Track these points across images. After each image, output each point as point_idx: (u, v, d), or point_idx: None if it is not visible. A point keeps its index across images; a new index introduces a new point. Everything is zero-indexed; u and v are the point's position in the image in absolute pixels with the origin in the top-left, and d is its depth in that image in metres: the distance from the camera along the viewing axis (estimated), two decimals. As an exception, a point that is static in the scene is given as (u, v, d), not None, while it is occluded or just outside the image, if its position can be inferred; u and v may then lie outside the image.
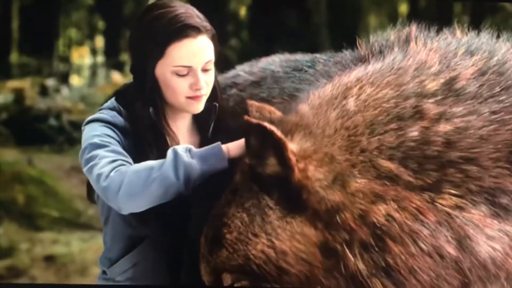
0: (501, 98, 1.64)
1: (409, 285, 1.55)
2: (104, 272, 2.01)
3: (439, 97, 1.63)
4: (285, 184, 1.58)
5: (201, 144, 1.93)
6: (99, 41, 9.27)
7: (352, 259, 1.55)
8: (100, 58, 9.12)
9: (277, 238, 1.59)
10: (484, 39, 1.82)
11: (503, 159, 1.58)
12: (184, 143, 1.89)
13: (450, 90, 1.64)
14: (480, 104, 1.62)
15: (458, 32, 1.87)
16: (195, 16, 1.86)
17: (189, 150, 1.72)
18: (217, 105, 1.96)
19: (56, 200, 5.76)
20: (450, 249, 1.54)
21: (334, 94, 1.71)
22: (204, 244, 1.69)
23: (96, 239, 4.86)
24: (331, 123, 1.63)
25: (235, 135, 1.83)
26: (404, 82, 1.66)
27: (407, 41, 1.85)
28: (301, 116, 1.69)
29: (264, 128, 1.54)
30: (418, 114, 1.61)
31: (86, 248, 4.93)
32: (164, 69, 1.84)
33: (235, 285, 1.65)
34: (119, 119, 1.86)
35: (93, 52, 9.23)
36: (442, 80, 1.66)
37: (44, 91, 7.79)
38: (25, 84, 7.59)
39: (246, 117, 1.58)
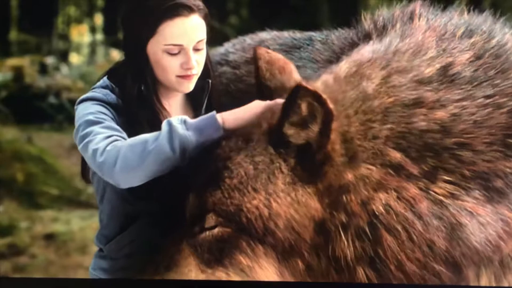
0: (496, 82, 1.63)
1: (392, 275, 1.56)
2: (100, 250, 2.01)
3: (434, 83, 1.63)
4: (309, 153, 1.59)
5: None
6: (98, 19, 9.24)
7: (343, 243, 1.57)
8: (100, 36, 9.09)
9: (275, 200, 1.59)
10: (485, 19, 1.80)
11: (497, 142, 1.59)
12: None
13: (445, 75, 1.64)
14: (475, 88, 1.62)
15: (462, 10, 1.85)
16: None
17: (184, 122, 1.72)
18: (210, 81, 1.96)
19: (56, 178, 5.76)
20: (441, 240, 1.55)
21: (352, 73, 1.70)
22: (201, 179, 1.68)
23: (96, 217, 4.81)
24: (352, 104, 1.63)
25: None
26: (408, 68, 1.65)
27: (411, 17, 1.84)
28: (327, 87, 1.68)
29: (320, 97, 1.53)
30: (419, 101, 1.61)
31: (86, 226, 4.94)
32: (155, 47, 1.84)
33: (217, 228, 1.64)
34: (112, 97, 1.86)
35: (92, 29, 9.20)
36: (437, 66, 1.65)
37: (43, 69, 7.77)
38: (25, 62, 7.57)
39: (300, 82, 1.57)
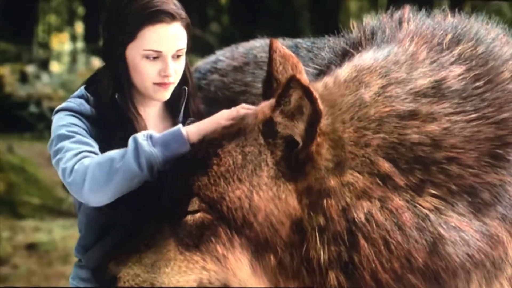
0: (484, 95, 1.63)
1: (364, 282, 1.56)
2: (79, 260, 2.01)
3: (428, 97, 1.63)
4: (294, 150, 1.59)
5: None
6: (79, 27, 9.24)
7: (318, 245, 1.56)
8: (80, 44, 9.08)
9: (258, 193, 1.60)
10: (473, 24, 1.80)
11: (485, 155, 1.58)
12: (155, 129, 1.87)
13: (439, 89, 1.64)
14: (465, 101, 1.62)
15: (448, 15, 1.85)
16: (171, 2, 1.86)
17: (150, 137, 1.72)
18: (186, 88, 1.95)
19: (38, 188, 5.74)
20: (421, 253, 1.55)
21: (351, 78, 1.69)
22: (188, 163, 1.69)
23: (78, 226, 4.82)
24: (349, 109, 1.63)
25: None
26: (406, 80, 1.66)
27: (400, 23, 1.84)
28: (327, 89, 1.68)
29: (311, 94, 1.53)
30: (414, 113, 1.61)
31: (68, 236, 4.92)
32: (134, 52, 1.84)
33: (199, 214, 1.64)
34: (85, 107, 1.86)
35: (73, 38, 9.20)
36: (431, 79, 1.66)
37: (24, 78, 7.75)
38: (5, 70, 7.55)
39: (297, 75, 1.56)
